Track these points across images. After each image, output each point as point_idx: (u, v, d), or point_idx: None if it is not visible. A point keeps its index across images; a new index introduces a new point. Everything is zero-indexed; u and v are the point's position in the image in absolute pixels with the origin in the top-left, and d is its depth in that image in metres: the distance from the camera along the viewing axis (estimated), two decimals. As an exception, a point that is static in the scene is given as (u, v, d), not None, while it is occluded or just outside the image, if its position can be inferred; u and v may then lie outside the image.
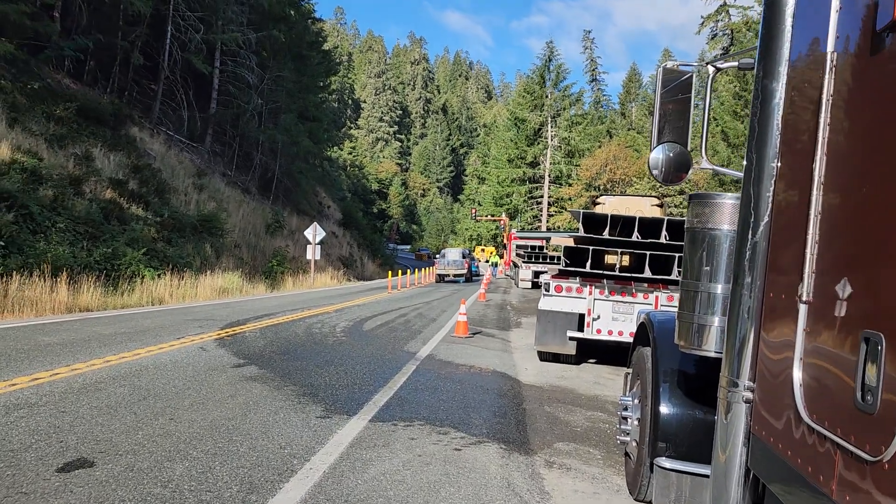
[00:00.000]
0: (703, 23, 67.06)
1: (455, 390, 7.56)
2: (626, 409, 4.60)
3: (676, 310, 8.95)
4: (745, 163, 2.43)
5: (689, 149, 3.26)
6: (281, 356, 9.28)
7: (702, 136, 3.30)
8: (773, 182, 2.30)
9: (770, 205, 2.31)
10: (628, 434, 4.53)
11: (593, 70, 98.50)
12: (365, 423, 5.81)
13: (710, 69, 3.28)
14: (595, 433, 6.12)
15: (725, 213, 3.24)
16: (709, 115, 3.28)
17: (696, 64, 3.29)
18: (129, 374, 7.41)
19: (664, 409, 3.98)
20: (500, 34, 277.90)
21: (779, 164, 2.29)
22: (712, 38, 68.24)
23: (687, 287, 3.43)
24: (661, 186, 53.13)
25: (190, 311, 15.33)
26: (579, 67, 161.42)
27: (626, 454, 4.78)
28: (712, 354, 3.31)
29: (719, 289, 3.27)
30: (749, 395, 2.38)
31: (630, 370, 5.13)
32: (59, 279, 14.83)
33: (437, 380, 8.16)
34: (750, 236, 2.37)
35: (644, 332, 4.63)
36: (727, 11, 65.08)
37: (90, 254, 17.73)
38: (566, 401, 7.53)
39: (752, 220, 2.36)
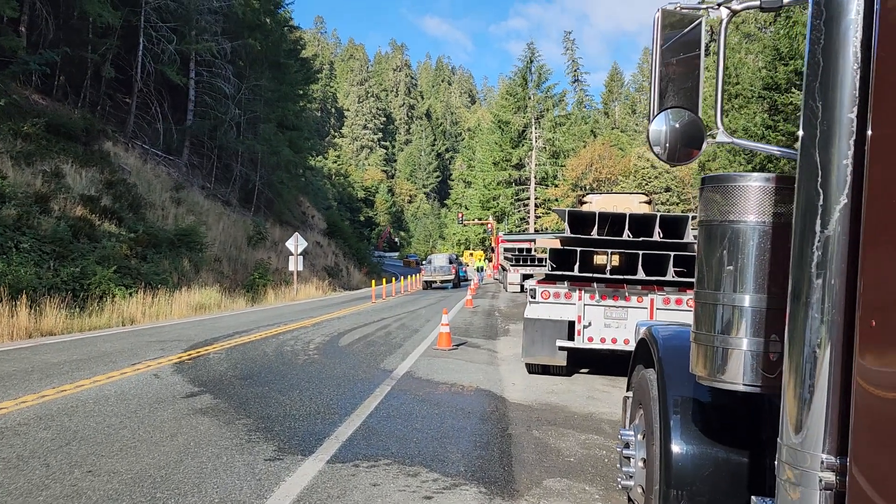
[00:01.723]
0: (683, 19, 66.89)
1: (432, 416, 6.71)
2: (627, 445, 3.77)
3: (677, 317, 8.14)
4: (801, 118, 1.63)
5: (699, 116, 2.46)
6: (242, 381, 8.40)
7: (715, 100, 2.50)
8: (851, 142, 1.49)
9: (849, 178, 1.50)
10: (632, 477, 3.70)
11: (575, 71, 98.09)
12: (321, 466, 4.95)
13: (724, 12, 2.48)
14: (591, 464, 5.29)
15: (752, 200, 2.44)
16: (724, 72, 2.48)
17: (704, 6, 2.49)
18: (61, 411, 6.52)
19: (676, 448, 3.16)
20: (479, 38, 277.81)
21: (855, 115, 1.48)
22: (693, 35, 68.11)
23: (703, 299, 2.61)
24: (648, 183, 52.56)
25: (158, 332, 14.43)
26: (560, 69, 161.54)
27: (630, 500, 3.96)
28: (741, 388, 2.51)
29: (747, 300, 2.47)
30: (831, 476, 1.56)
31: (630, 394, 4.32)
32: (18, 302, 13.91)
33: (412, 403, 7.31)
34: (818, 228, 1.57)
35: (645, 351, 3.81)
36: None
37: (56, 274, 16.80)
38: (557, 422, 6.71)
39: (821, 202, 1.55)
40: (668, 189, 52.68)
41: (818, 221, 1.56)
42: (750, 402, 3.05)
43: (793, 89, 29.96)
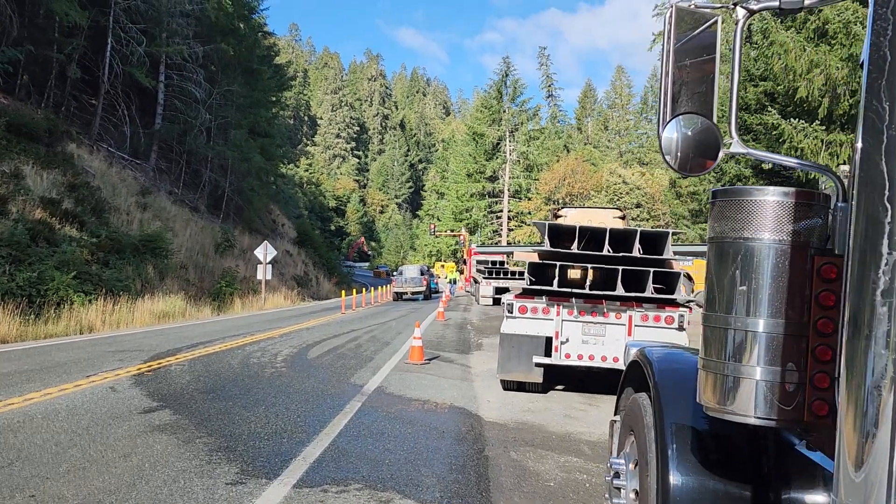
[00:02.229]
0: (654, 40, 67.80)
1: (405, 435, 6.42)
2: (617, 475, 3.53)
3: (656, 335, 7.97)
4: (859, 124, 1.40)
5: (715, 123, 2.24)
6: (204, 395, 8.02)
7: (729, 107, 2.28)
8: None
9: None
10: (622, 510, 3.46)
11: (549, 86, 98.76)
12: (287, 491, 4.63)
13: (741, 12, 2.27)
14: (572, 489, 5.05)
15: (769, 216, 2.23)
16: (740, 76, 2.27)
17: (720, 5, 2.28)
18: (6, 427, 6.10)
19: (674, 479, 2.91)
20: (454, 51, 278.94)
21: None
22: (665, 54, 69.06)
23: (713, 322, 2.39)
24: (619, 199, 52.97)
25: (118, 341, 13.92)
26: (535, 84, 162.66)
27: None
28: (753, 421, 2.28)
29: (762, 325, 2.25)
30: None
31: (617, 419, 4.09)
32: (-33, 308, 13.32)
33: (384, 421, 7.01)
34: (884, 249, 1.34)
35: (637, 373, 3.58)
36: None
37: (12, 279, 16.16)
38: (535, 442, 6.46)
39: (889, 219, 1.33)
40: (638, 205, 53.17)
41: (884, 242, 1.33)
42: (754, 434, 2.84)
43: (764, 110, 30.40)
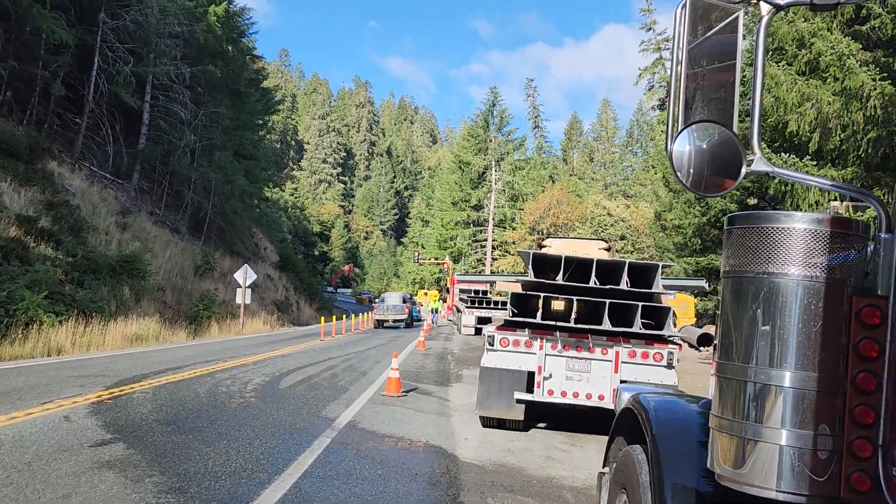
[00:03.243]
0: (640, 74, 68.63)
1: (374, 478, 5.95)
2: (607, 539, 3.13)
3: (644, 372, 7.57)
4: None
5: (737, 134, 1.89)
6: (164, 427, 7.51)
7: (751, 118, 1.93)
8: None
9: None
10: (613, 579, 3.04)
11: (536, 117, 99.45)
12: (237, 543, 4.17)
13: (765, 7, 1.93)
14: (553, 543, 4.61)
15: (798, 248, 1.87)
16: (763, 80, 1.92)
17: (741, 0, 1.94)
18: (-62, 461, 5.58)
19: (678, 551, 2.53)
20: (442, 81, 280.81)
21: None
22: (649, 90, 69.92)
23: (727, 372, 2.01)
24: (604, 230, 52.89)
25: (84, 365, 13.33)
26: (521, 115, 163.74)
27: None
28: (775, 495, 1.89)
29: (788, 378, 1.87)
30: None
31: (606, 471, 3.69)
32: (-74, 329, 12.69)
33: (353, 460, 6.54)
34: None
35: (631, 421, 3.20)
36: (663, 65, 66.82)
37: (-22, 298, 15.57)
38: (515, 487, 6.02)
39: None
40: (623, 237, 53.10)
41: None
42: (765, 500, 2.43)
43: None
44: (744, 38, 1.91)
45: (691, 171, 1.94)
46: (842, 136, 11.93)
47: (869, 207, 1.85)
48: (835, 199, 12.30)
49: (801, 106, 11.95)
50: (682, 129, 1.91)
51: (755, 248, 1.92)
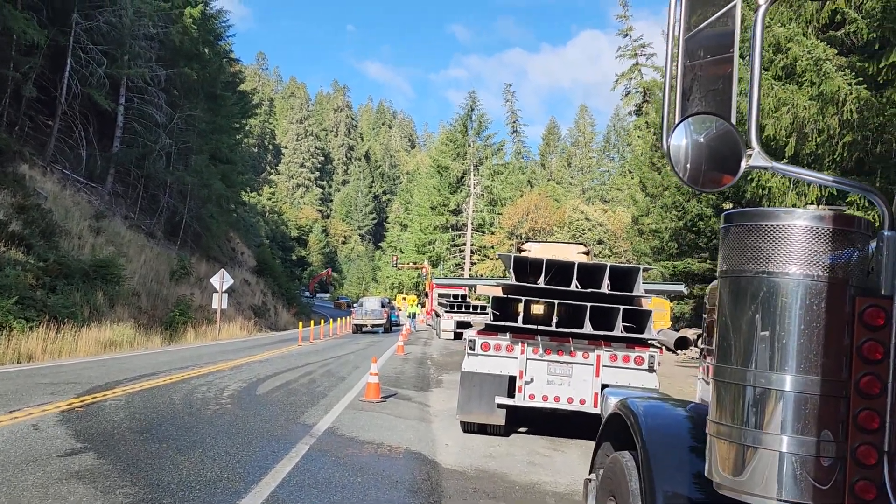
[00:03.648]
0: (617, 80, 69.31)
1: (353, 485, 5.82)
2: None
3: (625, 376, 7.51)
4: None
5: (735, 126, 1.81)
6: (137, 436, 7.30)
7: (748, 110, 1.86)
8: None
9: None
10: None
11: (514, 122, 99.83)
12: (212, 556, 4.02)
13: (761, -5, 1.85)
14: (538, 551, 4.52)
15: (799, 246, 1.79)
16: (760, 72, 1.85)
17: (739, -13, 1.86)
18: None
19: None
20: (420, 85, 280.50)
21: None
22: (626, 95, 70.56)
23: (725, 376, 1.93)
24: (581, 235, 53.13)
25: (55, 372, 12.99)
26: (500, 119, 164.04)
27: None
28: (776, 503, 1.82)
29: (789, 382, 1.80)
30: None
31: (593, 477, 3.61)
32: None
33: (333, 468, 6.40)
34: None
35: (619, 427, 3.11)
36: (639, 70, 67.51)
37: (-55, 304, 15.17)
38: (497, 494, 5.92)
39: None
40: (600, 241, 53.40)
41: None
42: None
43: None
44: (742, 30, 1.84)
45: (688, 165, 1.86)
46: (818, 140, 12.04)
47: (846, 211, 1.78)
48: (811, 203, 12.42)
49: (777, 111, 12.04)
50: (680, 122, 1.83)
51: (754, 247, 1.85)
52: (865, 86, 11.52)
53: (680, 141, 1.85)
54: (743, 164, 1.82)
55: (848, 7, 12.26)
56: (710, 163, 1.86)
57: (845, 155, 11.93)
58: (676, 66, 1.86)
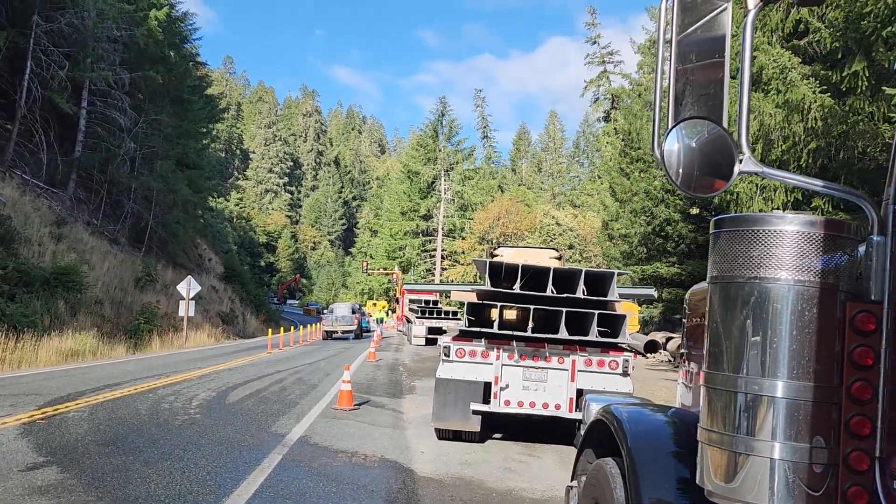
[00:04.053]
0: (586, 87, 70.02)
1: (328, 496, 5.72)
2: (578, 557, 3.00)
3: (600, 381, 7.53)
4: None
5: (729, 130, 1.79)
6: (102, 449, 7.10)
7: (738, 116, 1.84)
8: None
9: None
10: None
11: (484, 127, 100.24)
12: (184, 573, 3.91)
13: (751, 1, 1.84)
14: (517, 560, 4.48)
15: (790, 251, 1.78)
16: (751, 76, 1.84)
17: (729, -9, 1.84)
18: None
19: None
20: (389, 90, 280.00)
21: None
22: (595, 102, 71.31)
23: (716, 383, 1.91)
24: (552, 240, 53.44)
25: (14, 383, 12.61)
26: (470, 125, 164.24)
27: None
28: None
29: (780, 389, 1.78)
30: None
31: (575, 485, 3.57)
32: None
33: (306, 478, 6.29)
34: None
35: (602, 434, 3.09)
36: (608, 77, 68.32)
37: None
38: (474, 501, 5.87)
39: None
40: (571, 246, 53.76)
41: None
42: None
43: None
44: (732, 35, 1.82)
45: (681, 170, 1.84)
46: (783, 147, 12.25)
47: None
48: (777, 209, 12.61)
49: (745, 117, 12.22)
50: (673, 127, 1.81)
51: (744, 253, 1.83)
52: (829, 94, 11.76)
53: (673, 146, 1.83)
54: (735, 169, 1.81)
55: (812, 16, 12.53)
56: (704, 168, 1.84)
57: (810, 161, 12.15)
58: (668, 71, 1.84)
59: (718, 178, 1.84)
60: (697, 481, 1.99)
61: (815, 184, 1.90)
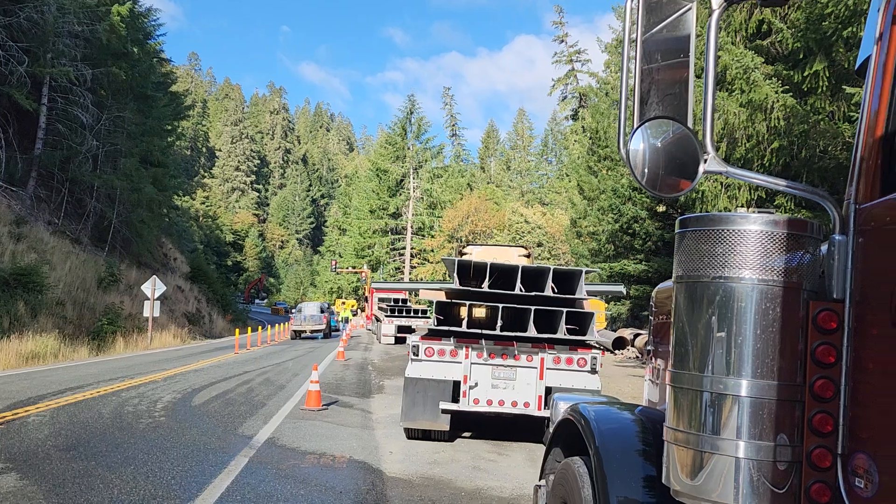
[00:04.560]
0: (553, 85, 70.51)
1: (296, 498, 5.66)
2: (547, 557, 3.00)
3: (568, 378, 7.56)
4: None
5: (693, 130, 1.79)
6: (63, 454, 6.94)
7: (703, 115, 1.85)
8: None
9: None
10: None
11: (453, 125, 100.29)
12: (147, 580, 3.82)
13: (715, 1, 1.85)
14: (486, 559, 4.47)
15: (753, 251, 1.79)
16: (716, 76, 1.84)
17: (694, -9, 1.84)
18: None
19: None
20: (357, 88, 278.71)
21: None
22: (563, 100, 71.84)
23: (682, 382, 1.92)
24: (521, 237, 53.68)
25: (-28, 387, 12.27)
26: (439, 123, 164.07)
27: None
28: (734, 511, 1.80)
29: (744, 387, 1.79)
30: None
31: (543, 484, 3.58)
32: None
33: (273, 481, 6.21)
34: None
35: (570, 433, 3.09)
36: (575, 76, 68.86)
37: None
38: (443, 501, 5.85)
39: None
40: (540, 244, 54.06)
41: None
42: None
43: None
44: (697, 35, 1.83)
45: (646, 170, 1.84)
46: (747, 145, 12.45)
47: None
48: (741, 207, 12.81)
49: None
50: (638, 126, 1.80)
51: (709, 252, 1.84)
52: (791, 94, 11.99)
53: (638, 145, 1.83)
54: (700, 169, 1.81)
55: (774, 17, 12.75)
56: (669, 168, 1.84)
57: (773, 160, 12.38)
58: (634, 70, 1.83)
59: (683, 177, 1.84)
60: (664, 480, 2.00)
61: (779, 183, 1.92)
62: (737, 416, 1.80)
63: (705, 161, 1.81)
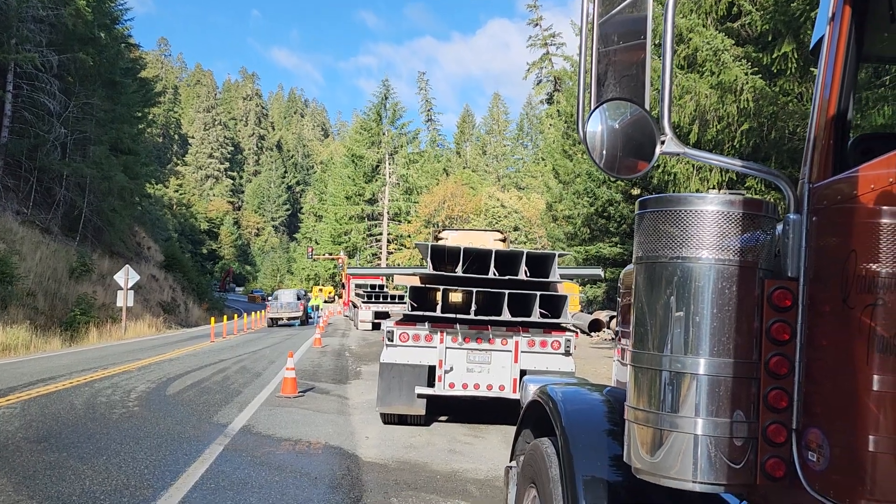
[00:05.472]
0: (528, 69, 70.36)
1: (271, 484, 5.65)
2: (517, 537, 3.03)
3: (543, 361, 7.61)
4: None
5: (650, 111, 1.80)
6: (34, 445, 6.85)
7: (660, 96, 1.85)
8: None
9: None
10: (523, 579, 2.95)
11: (428, 110, 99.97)
12: (118, 570, 3.80)
13: (673, -18, 1.85)
14: (460, 540, 4.52)
15: (710, 231, 1.81)
16: (672, 59, 1.85)
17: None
18: None
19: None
20: (330, 73, 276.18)
21: None
22: (538, 84, 71.80)
23: (641, 362, 1.94)
24: (497, 222, 53.80)
25: (-60, 380, 12.05)
26: (414, 108, 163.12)
27: None
28: (692, 486, 1.83)
29: (702, 366, 1.82)
30: None
31: (514, 465, 3.61)
32: None
33: (248, 468, 6.20)
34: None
35: (538, 414, 3.12)
36: (550, 60, 68.81)
37: None
38: (418, 484, 5.89)
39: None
40: (516, 228, 54.22)
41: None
42: (689, 499, 2.36)
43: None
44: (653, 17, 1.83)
45: (604, 152, 1.85)
46: (718, 127, 12.55)
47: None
48: (713, 188, 12.94)
49: (681, 98, 12.49)
50: (595, 108, 1.81)
51: (667, 233, 1.86)
52: (760, 75, 12.09)
53: (596, 127, 1.84)
54: (657, 151, 1.82)
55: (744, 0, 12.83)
56: (626, 149, 1.85)
57: (744, 142, 12.49)
58: (591, 52, 1.83)
59: (641, 159, 1.85)
60: (625, 458, 2.02)
61: (735, 164, 1.94)
62: (695, 394, 1.82)
63: (662, 142, 1.82)
